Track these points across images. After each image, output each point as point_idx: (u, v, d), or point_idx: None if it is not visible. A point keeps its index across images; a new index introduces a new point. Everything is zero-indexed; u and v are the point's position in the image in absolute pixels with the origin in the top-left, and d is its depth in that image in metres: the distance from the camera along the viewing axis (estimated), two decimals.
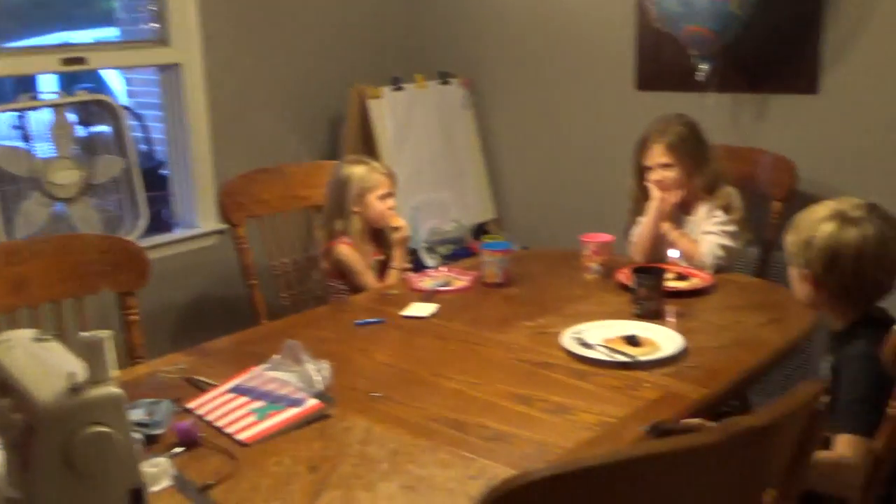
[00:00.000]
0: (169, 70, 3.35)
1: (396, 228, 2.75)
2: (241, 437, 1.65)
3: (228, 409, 1.77)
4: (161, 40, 3.30)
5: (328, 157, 3.74)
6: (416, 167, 3.66)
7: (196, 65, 3.33)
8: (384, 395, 1.83)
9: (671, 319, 2.22)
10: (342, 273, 2.70)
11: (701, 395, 1.77)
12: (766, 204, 2.87)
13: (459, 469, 1.52)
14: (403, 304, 2.41)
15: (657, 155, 2.64)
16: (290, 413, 1.73)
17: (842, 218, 1.69)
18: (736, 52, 2.99)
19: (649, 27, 3.08)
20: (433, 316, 2.32)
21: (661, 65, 3.26)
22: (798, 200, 2.86)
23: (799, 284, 1.80)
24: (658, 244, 2.73)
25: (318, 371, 1.85)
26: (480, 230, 3.93)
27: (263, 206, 2.86)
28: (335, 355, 2.05)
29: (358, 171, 2.70)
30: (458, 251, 3.66)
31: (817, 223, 1.72)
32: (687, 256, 2.65)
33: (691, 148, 2.63)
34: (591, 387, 1.84)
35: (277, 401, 1.77)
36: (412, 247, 3.62)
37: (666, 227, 2.69)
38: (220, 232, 3.44)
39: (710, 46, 2.82)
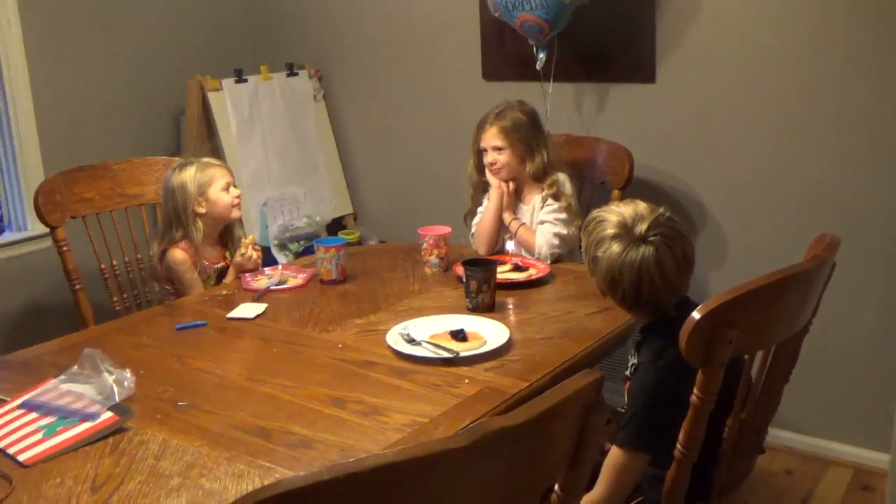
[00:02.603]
0: None
1: (243, 253, 2.57)
2: (23, 457, 1.52)
3: (14, 427, 1.63)
4: None
5: (172, 152, 3.58)
6: (265, 162, 3.54)
7: (17, 56, 3.12)
8: (191, 403, 1.73)
9: (506, 312, 2.19)
10: (171, 279, 2.56)
11: (519, 390, 1.74)
12: (608, 192, 2.88)
13: (255, 480, 1.43)
14: (233, 306, 2.30)
15: (490, 137, 2.63)
16: (83, 428, 1.61)
17: (625, 238, 1.68)
18: (575, 41, 3.00)
19: (491, 17, 3.05)
20: (259, 317, 2.22)
21: (504, 55, 3.25)
22: (636, 187, 2.90)
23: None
24: (500, 234, 2.71)
25: (119, 381, 1.73)
26: (337, 225, 3.84)
27: (87, 205, 2.68)
28: (148, 362, 1.95)
29: (188, 173, 2.55)
30: (312, 248, 3.55)
31: (602, 241, 1.71)
32: (526, 247, 2.63)
33: (525, 134, 2.62)
34: (410, 385, 1.78)
35: (70, 416, 1.64)
36: (263, 244, 3.51)
37: (507, 217, 2.67)
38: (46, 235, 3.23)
39: (544, 35, 2.81)
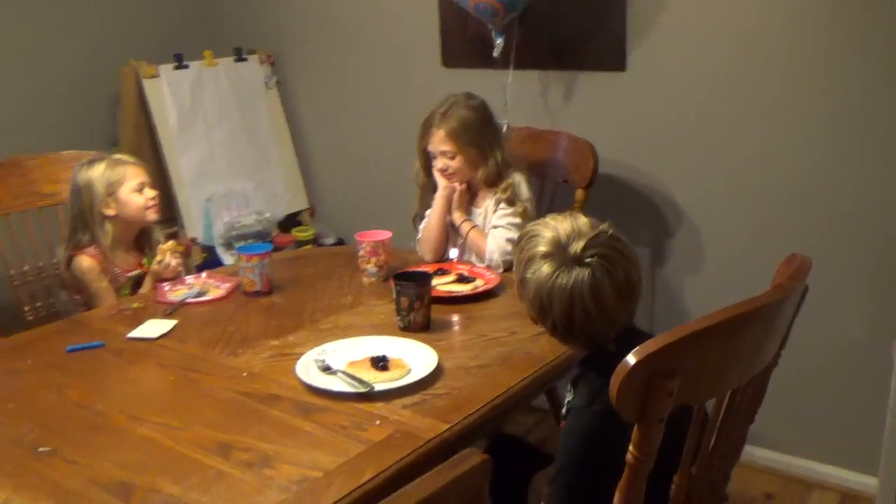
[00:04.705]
0: None
1: (160, 260, 2.33)
2: None
3: None
4: None
5: (113, 144, 3.32)
6: (209, 155, 3.28)
7: None
8: (53, 449, 1.49)
9: (442, 331, 1.95)
10: (79, 289, 2.31)
11: (436, 434, 1.49)
12: (571, 191, 2.62)
13: None
14: (141, 322, 2.05)
15: (438, 141, 2.36)
16: None
17: (558, 257, 1.45)
18: (539, 25, 2.73)
19: (450, 1, 2.78)
20: (164, 336, 1.97)
21: (465, 41, 2.97)
22: (604, 185, 2.66)
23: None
24: (452, 239, 2.46)
25: None
26: (291, 222, 3.59)
27: None
28: (22, 393, 1.72)
29: (97, 170, 2.30)
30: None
31: (533, 260, 1.48)
32: (477, 252, 2.39)
33: (476, 135, 2.35)
34: (312, 427, 1.54)
35: None
36: (206, 244, 3.27)
37: (458, 218, 2.42)
38: None
39: (499, 18, 2.54)
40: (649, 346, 1.16)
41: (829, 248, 2.49)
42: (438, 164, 2.38)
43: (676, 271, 2.79)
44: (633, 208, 2.80)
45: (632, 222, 2.81)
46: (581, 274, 1.41)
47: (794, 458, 2.73)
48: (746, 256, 2.64)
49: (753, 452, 2.76)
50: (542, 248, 1.46)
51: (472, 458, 0.87)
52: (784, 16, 2.43)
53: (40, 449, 1.49)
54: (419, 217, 2.52)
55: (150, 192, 2.35)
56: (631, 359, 1.15)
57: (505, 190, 2.35)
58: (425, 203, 2.50)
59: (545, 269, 1.44)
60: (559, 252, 1.44)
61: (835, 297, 2.51)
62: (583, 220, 1.49)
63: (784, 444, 2.74)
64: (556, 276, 1.42)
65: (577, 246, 1.43)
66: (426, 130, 2.39)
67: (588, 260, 1.42)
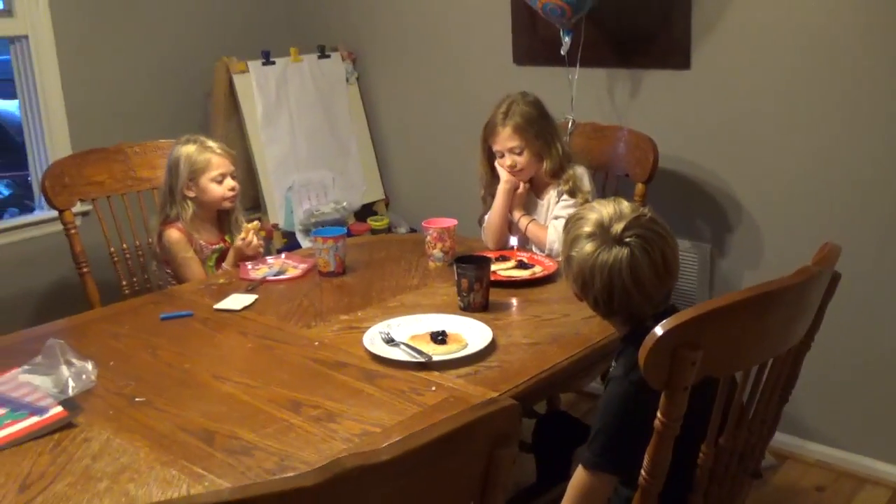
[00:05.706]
0: (17, 43, 3.14)
1: (243, 238, 2.51)
2: None
3: None
4: (6, 10, 3.09)
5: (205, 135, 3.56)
6: (291, 146, 3.49)
7: (45, 37, 3.13)
8: (147, 400, 1.68)
9: (499, 312, 2.08)
10: (167, 260, 2.53)
11: (486, 400, 1.63)
12: (632, 186, 2.72)
13: (182, 488, 1.37)
14: (226, 296, 2.25)
15: (505, 139, 2.49)
16: (30, 422, 1.57)
17: (600, 237, 1.57)
18: (605, 24, 2.84)
19: (522, 1, 2.91)
20: (246, 309, 2.16)
21: (535, 39, 3.10)
22: (668, 181, 2.74)
23: None
24: (510, 228, 2.59)
25: (78, 374, 1.70)
26: (368, 211, 3.77)
27: (97, 188, 2.67)
28: (122, 353, 1.92)
29: (186, 149, 2.52)
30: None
31: (577, 240, 1.60)
32: (537, 244, 2.51)
33: (539, 128, 2.48)
34: (374, 390, 1.70)
35: (20, 409, 1.61)
36: (287, 229, 3.48)
37: (517, 214, 2.56)
38: (84, 214, 3.25)
39: (567, 19, 2.66)
40: (676, 319, 1.28)
41: (892, 245, 2.54)
42: (507, 161, 2.50)
43: (736, 266, 2.87)
44: (696, 204, 2.88)
45: (693, 217, 2.89)
46: (621, 252, 1.54)
47: (847, 453, 2.77)
48: (806, 254, 2.69)
49: (807, 447, 2.82)
50: (587, 229, 1.59)
51: (501, 401, 1.00)
52: (851, 15, 2.48)
53: (137, 399, 1.69)
54: (484, 215, 2.65)
55: (229, 183, 2.54)
56: (658, 330, 1.28)
57: (567, 181, 2.47)
58: (489, 205, 2.63)
59: (588, 247, 1.57)
60: (602, 232, 1.57)
61: (892, 294, 2.55)
62: (625, 205, 1.61)
63: (837, 440, 2.78)
64: (598, 254, 1.55)
65: (618, 227, 1.55)
66: (490, 132, 2.52)
67: (627, 240, 1.55)
